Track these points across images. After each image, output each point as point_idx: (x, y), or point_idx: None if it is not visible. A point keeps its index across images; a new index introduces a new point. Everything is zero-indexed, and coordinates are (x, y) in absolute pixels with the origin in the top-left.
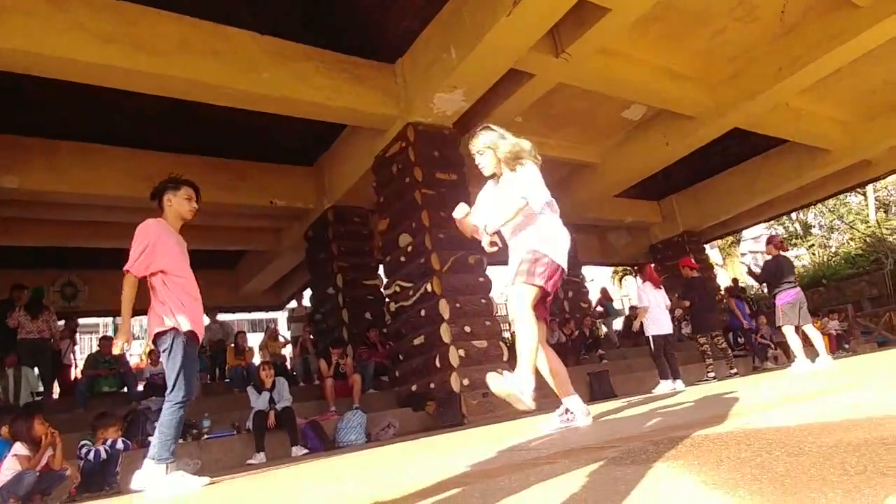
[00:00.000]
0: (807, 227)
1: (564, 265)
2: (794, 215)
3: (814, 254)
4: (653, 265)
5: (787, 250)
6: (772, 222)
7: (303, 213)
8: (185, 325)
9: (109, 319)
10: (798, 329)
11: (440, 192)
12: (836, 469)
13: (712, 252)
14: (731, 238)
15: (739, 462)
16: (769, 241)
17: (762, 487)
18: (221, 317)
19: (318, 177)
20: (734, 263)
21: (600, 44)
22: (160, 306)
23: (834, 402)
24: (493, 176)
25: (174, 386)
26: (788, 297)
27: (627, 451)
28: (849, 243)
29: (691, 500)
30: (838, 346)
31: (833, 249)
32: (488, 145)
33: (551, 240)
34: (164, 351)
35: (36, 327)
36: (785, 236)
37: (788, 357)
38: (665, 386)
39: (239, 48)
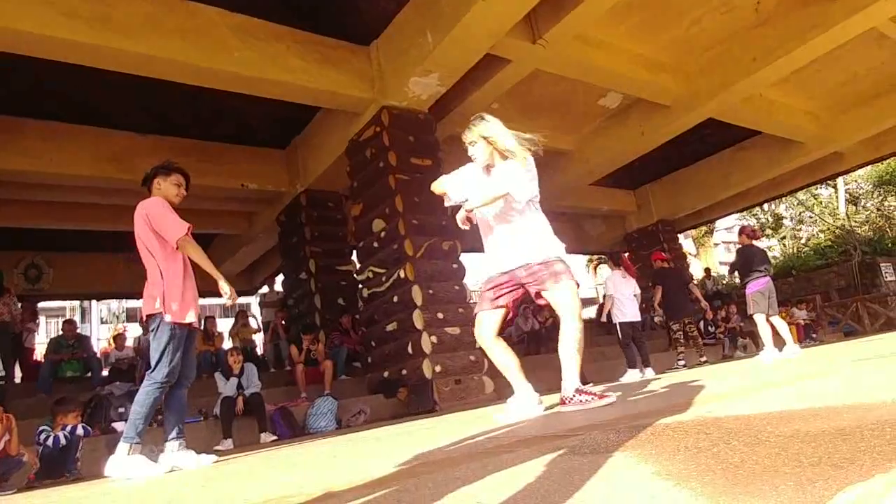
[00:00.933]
0: (778, 219)
1: None
2: (766, 206)
3: (784, 245)
4: (627, 254)
5: (759, 240)
6: (744, 213)
7: (275, 197)
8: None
9: (77, 303)
10: (767, 318)
11: (414, 177)
12: (790, 460)
13: (686, 242)
14: (704, 228)
15: (696, 452)
16: (741, 231)
17: (715, 478)
18: None
19: (292, 160)
20: (707, 253)
21: (577, 30)
22: (156, 286)
23: (797, 390)
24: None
25: (157, 366)
26: (758, 286)
27: (588, 439)
28: (818, 235)
29: (644, 490)
30: (806, 335)
31: (803, 241)
32: (483, 135)
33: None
34: (151, 331)
35: None
36: (756, 227)
37: (757, 346)
38: (632, 374)
39: (208, 26)
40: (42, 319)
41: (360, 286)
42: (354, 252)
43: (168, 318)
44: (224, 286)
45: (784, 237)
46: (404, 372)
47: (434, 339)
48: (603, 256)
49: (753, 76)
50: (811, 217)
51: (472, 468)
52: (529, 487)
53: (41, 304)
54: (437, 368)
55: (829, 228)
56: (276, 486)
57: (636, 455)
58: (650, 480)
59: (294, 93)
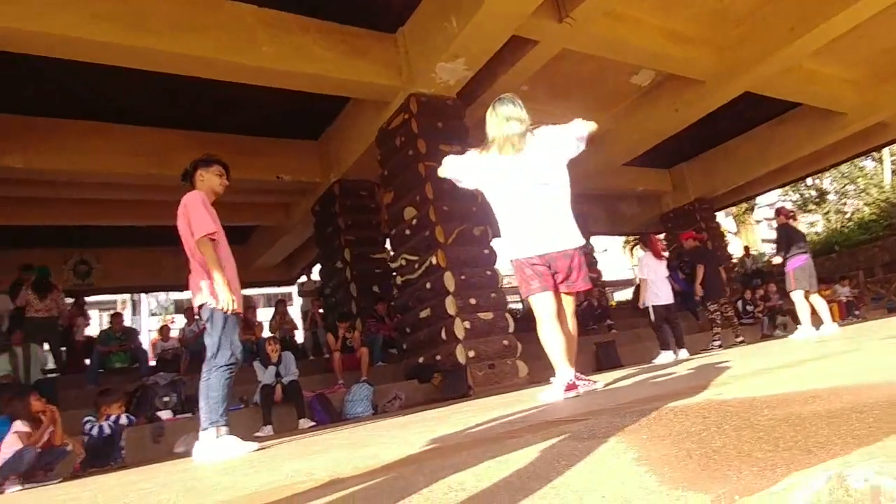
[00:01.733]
0: (822, 193)
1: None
2: (809, 181)
3: (829, 220)
4: (656, 235)
5: (796, 220)
6: (786, 188)
7: (310, 188)
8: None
9: (127, 296)
10: (806, 296)
11: None
12: (768, 444)
13: (726, 220)
14: (744, 205)
15: (685, 436)
16: (778, 211)
17: (688, 465)
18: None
19: (324, 151)
20: (748, 230)
21: (605, 7)
22: (201, 276)
23: (813, 370)
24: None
25: (218, 351)
26: (799, 263)
27: (593, 424)
28: (863, 209)
29: (617, 477)
30: (848, 312)
31: (848, 215)
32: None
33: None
34: (206, 321)
35: (44, 306)
36: (800, 202)
37: (797, 324)
38: (666, 356)
39: (236, 21)
40: (95, 313)
41: (394, 274)
42: (388, 240)
43: (213, 304)
44: (222, 296)
45: (828, 212)
46: (438, 358)
47: (467, 324)
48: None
49: (791, 46)
50: (855, 190)
51: (473, 454)
52: (515, 474)
53: (92, 298)
54: (471, 353)
55: (874, 202)
56: (288, 472)
57: (628, 440)
58: (628, 466)
59: (322, 84)
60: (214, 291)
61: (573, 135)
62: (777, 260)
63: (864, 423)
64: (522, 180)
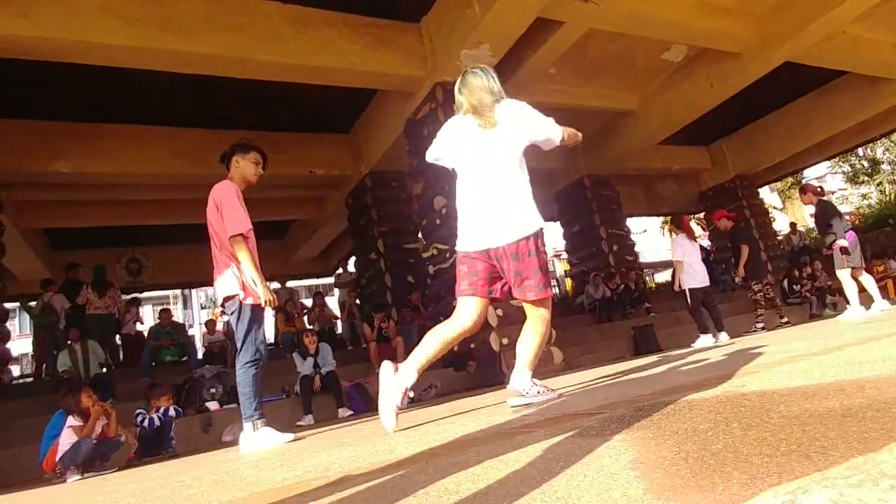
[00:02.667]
0: (875, 163)
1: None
2: (860, 151)
3: (882, 191)
4: (688, 216)
5: (825, 194)
6: (836, 160)
7: (342, 181)
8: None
9: (178, 291)
10: (854, 275)
11: None
12: (770, 447)
13: (771, 196)
14: (790, 180)
15: (689, 435)
16: (802, 189)
17: (680, 469)
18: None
19: (354, 143)
20: (795, 206)
21: None
22: (233, 269)
23: (850, 357)
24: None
25: (242, 347)
26: (850, 238)
27: (606, 419)
28: None
29: (606, 482)
30: None
31: None
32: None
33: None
34: (231, 314)
35: (103, 303)
36: (850, 174)
37: (848, 303)
38: (705, 340)
39: (261, 19)
40: (149, 308)
41: (427, 263)
42: (419, 230)
43: (249, 300)
44: (261, 293)
45: (881, 183)
46: (472, 346)
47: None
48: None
49: (832, 12)
50: None
51: (479, 451)
52: (510, 477)
53: (144, 295)
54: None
55: None
56: (308, 468)
57: (633, 438)
58: (620, 470)
59: (349, 77)
60: (244, 285)
61: (545, 130)
62: (842, 242)
63: (878, 424)
64: (477, 157)
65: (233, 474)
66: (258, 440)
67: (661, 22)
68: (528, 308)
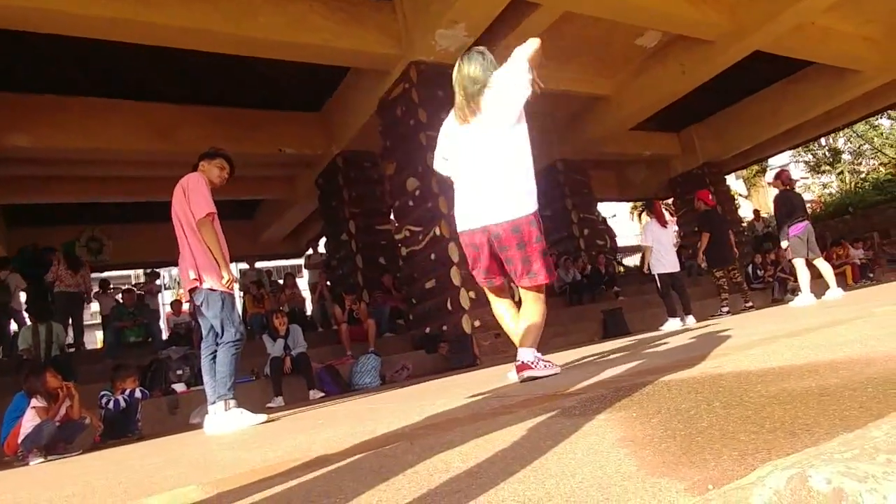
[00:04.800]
0: (836, 153)
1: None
2: (823, 141)
3: (843, 181)
4: (660, 201)
5: (794, 185)
6: (799, 149)
7: (313, 160)
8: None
9: (140, 271)
10: (808, 262)
11: None
12: (755, 425)
13: (736, 183)
14: (756, 167)
15: (673, 414)
16: (777, 176)
17: (670, 447)
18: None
19: (326, 123)
20: (759, 194)
21: None
22: (188, 260)
23: (817, 339)
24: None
25: (223, 331)
26: (797, 230)
27: (587, 399)
28: (878, 169)
29: (598, 459)
30: (862, 275)
31: (863, 175)
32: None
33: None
34: (200, 304)
35: (74, 281)
36: (813, 163)
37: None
38: (673, 324)
39: None
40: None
41: (399, 245)
42: (391, 211)
43: (208, 284)
44: (224, 275)
45: (842, 172)
46: (445, 328)
47: (472, 294)
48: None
49: (803, 2)
50: (871, 150)
51: (464, 431)
52: (500, 455)
53: (104, 274)
54: (476, 323)
55: (889, 161)
56: (288, 448)
57: (617, 418)
58: (610, 448)
59: (320, 54)
60: (200, 275)
61: (520, 74)
62: (784, 243)
63: (856, 402)
64: (470, 147)
65: (208, 456)
66: (229, 421)
67: (636, 7)
68: (523, 290)
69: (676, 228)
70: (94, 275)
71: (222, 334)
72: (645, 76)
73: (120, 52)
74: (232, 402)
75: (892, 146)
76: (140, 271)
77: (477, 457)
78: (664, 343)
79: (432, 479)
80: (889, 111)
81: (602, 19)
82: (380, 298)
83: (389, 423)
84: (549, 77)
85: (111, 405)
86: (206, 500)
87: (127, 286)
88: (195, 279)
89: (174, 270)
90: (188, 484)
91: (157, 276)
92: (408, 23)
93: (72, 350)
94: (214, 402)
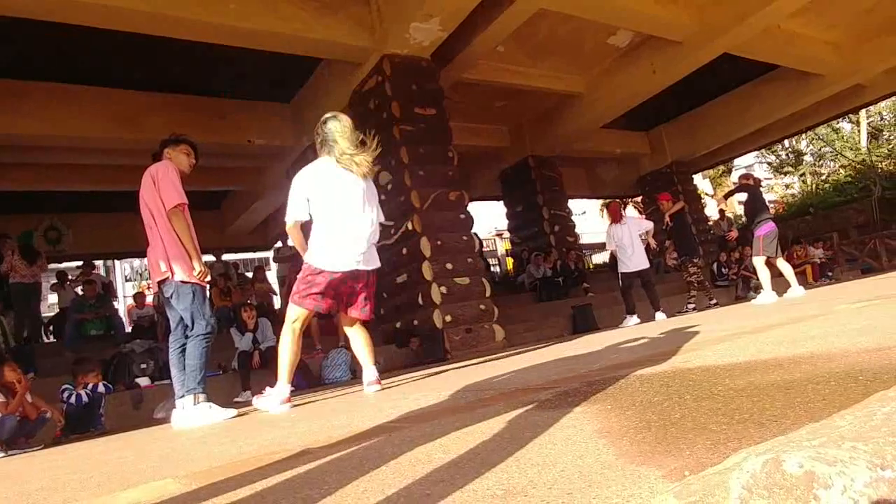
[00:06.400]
0: (799, 155)
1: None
2: (786, 143)
3: (805, 182)
4: (617, 203)
5: (760, 185)
6: (763, 150)
7: (282, 152)
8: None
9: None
10: (771, 262)
11: (419, 127)
12: (725, 416)
13: (703, 182)
14: (722, 167)
15: (647, 406)
16: (748, 175)
17: (646, 437)
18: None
19: (297, 114)
20: (724, 193)
21: None
22: (157, 251)
23: (781, 335)
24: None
25: (194, 323)
26: (767, 229)
27: (561, 392)
28: (839, 171)
29: (576, 450)
30: (822, 274)
31: (824, 177)
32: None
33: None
34: (170, 296)
35: (31, 272)
36: (776, 164)
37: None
38: (631, 321)
39: None
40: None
41: None
42: None
43: (179, 276)
44: (196, 266)
45: (804, 174)
46: (416, 322)
47: (443, 289)
48: (617, 201)
49: (770, 6)
50: (832, 153)
51: (443, 424)
52: (481, 446)
53: (63, 265)
54: (448, 318)
55: (849, 164)
56: (263, 442)
57: (593, 410)
58: (588, 439)
59: (292, 44)
60: (183, 266)
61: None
62: (734, 234)
63: (819, 395)
64: (351, 199)
65: (180, 450)
66: (198, 415)
67: (609, 6)
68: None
69: (648, 225)
70: (51, 266)
71: (193, 327)
72: (617, 75)
73: (84, 37)
74: (202, 397)
75: (851, 149)
76: (100, 262)
77: (458, 448)
78: (634, 338)
79: (416, 470)
80: (850, 115)
81: (575, 17)
82: None
83: (365, 417)
84: (524, 74)
85: (73, 399)
86: (185, 494)
87: (87, 278)
88: (166, 271)
89: (136, 262)
90: (163, 477)
91: (94, 267)
92: (382, 15)
93: (34, 342)
94: (183, 396)
